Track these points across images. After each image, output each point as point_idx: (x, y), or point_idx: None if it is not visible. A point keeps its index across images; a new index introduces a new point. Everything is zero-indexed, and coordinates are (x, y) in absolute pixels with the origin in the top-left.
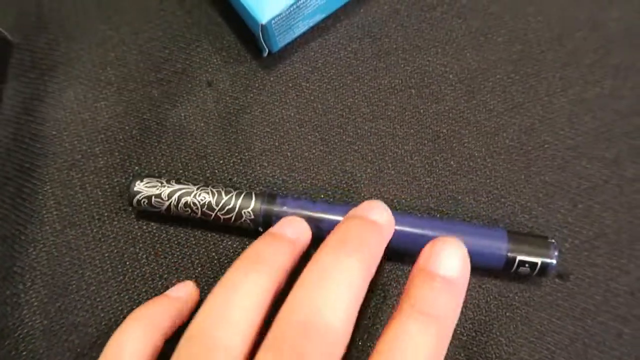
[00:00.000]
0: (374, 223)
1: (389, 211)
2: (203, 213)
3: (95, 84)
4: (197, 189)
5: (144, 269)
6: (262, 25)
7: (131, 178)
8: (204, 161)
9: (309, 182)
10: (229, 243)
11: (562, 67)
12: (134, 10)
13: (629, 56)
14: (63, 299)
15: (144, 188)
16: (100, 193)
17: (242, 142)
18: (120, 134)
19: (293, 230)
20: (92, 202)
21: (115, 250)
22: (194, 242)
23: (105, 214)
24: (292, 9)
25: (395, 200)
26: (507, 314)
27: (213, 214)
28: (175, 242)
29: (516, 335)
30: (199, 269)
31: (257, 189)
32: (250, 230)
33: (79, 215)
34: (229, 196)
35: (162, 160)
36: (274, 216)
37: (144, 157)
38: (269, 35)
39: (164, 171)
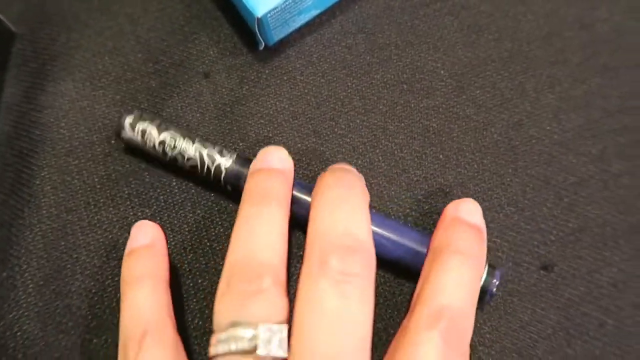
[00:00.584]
0: (348, 169)
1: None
2: (181, 151)
3: (93, 73)
4: (184, 137)
5: None
6: (258, 18)
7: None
8: None
9: (300, 172)
10: (221, 230)
11: (550, 65)
12: (133, 1)
13: (616, 56)
14: (58, 282)
15: (138, 116)
16: (96, 180)
17: (237, 133)
18: (117, 124)
19: (278, 160)
20: (89, 189)
21: (110, 236)
22: (187, 229)
23: (102, 200)
24: (287, 3)
25: (385, 192)
26: (491, 303)
27: (187, 156)
28: (169, 228)
29: (499, 324)
30: (192, 255)
31: None
32: (217, 181)
33: (75, 201)
34: (211, 146)
35: None
36: (243, 177)
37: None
38: (265, 28)
39: None
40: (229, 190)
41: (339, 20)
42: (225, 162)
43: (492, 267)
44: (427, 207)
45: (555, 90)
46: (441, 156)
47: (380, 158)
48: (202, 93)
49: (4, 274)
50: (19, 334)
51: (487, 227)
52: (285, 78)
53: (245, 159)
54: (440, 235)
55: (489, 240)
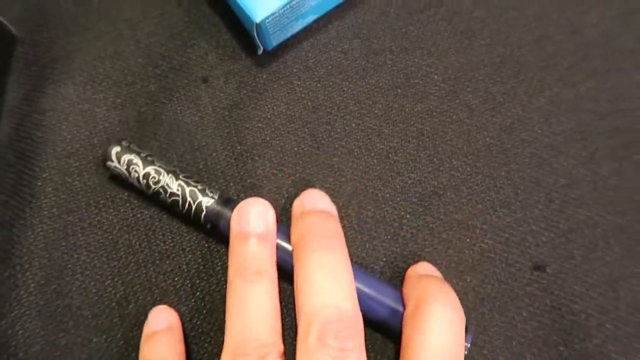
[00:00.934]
0: (327, 212)
1: (328, 197)
2: (164, 185)
3: (94, 76)
4: (169, 172)
5: (137, 256)
6: (256, 24)
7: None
8: (198, 153)
9: (297, 175)
10: (218, 233)
11: (541, 69)
12: (133, 6)
13: (606, 60)
14: (59, 281)
15: (126, 147)
16: (97, 181)
17: (235, 136)
18: (118, 126)
19: (260, 221)
20: (89, 190)
21: (110, 237)
22: (185, 231)
23: (102, 202)
24: (285, 9)
25: (380, 195)
26: (485, 303)
27: (169, 191)
28: (168, 230)
29: (491, 324)
30: (190, 255)
31: (248, 181)
32: (197, 220)
33: (76, 202)
34: (194, 184)
35: (157, 152)
36: (223, 218)
37: (140, 148)
38: (263, 34)
39: None
40: (207, 229)
41: (335, 26)
42: (207, 200)
43: (464, 329)
44: (421, 210)
45: (546, 94)
46: (435, 159)
47: (375, 161)
48: (201, 97)
49: (6, 273)
50: (20, 332)
51: (480, 228)
52: (282, 82)
53: (227, 199)
54: (411, 289)
55: (481, 242)
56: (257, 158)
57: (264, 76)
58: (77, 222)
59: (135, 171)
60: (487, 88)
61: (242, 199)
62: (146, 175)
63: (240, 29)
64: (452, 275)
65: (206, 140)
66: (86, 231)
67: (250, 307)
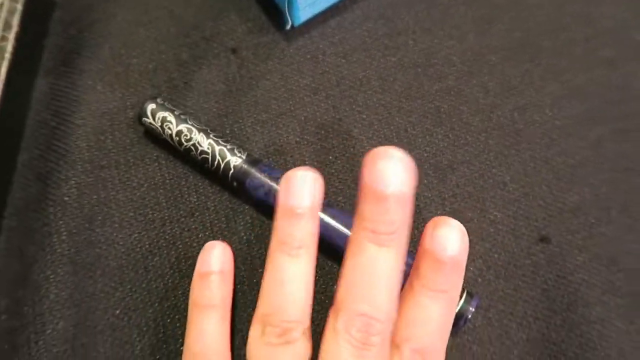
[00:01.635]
0: (396, 196)
1: (403, 160)
2: (196, 143)
3: (128, 42)
4: (200, 131)
5: (163, 212)
6: None
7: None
8: (225, 119)
9: (319, 144)
10: (243, 193)
11: (556, 55)
12: None
13: (618, 49)
14: (89, 232)
15: (161, 105)
16: (128, 141)
17: (261, 105)
18: (149, 90)
19: (307, 194)
20: (120, 149)
21: (138, 194)
22: (210, 191)
23: (132, 160)
24: None
25: None
26: (492, 270)
27: (200, 149)
28: (194, 189)
29: (496, 289)
30: (214, 215)
31: (272, 148)
32: (225, 177)
33: (108, 159)
34: (224, 144)
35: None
36: (249, 177)
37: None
38: (294, 8)
39: None
40: (233, 187)
41: (360, 6)
42: (235, 160)
43: (469, 294)
44: (435, 182)
45: (559, 79)
46: (450, 135)
47: (394, 134)
48: (230, 66)
49: (40, 222)
50: (52, 276)
51: (490, 201)
52: (308, 57)
53: (254, 160)
54: (416, 264)
55: (490, 213)
56: (281, 126)
57: (291, 50)
58: (108, 178)
59: (169, 128)
60: (503, 70)
61: (269, 160)
62: (179, 133)
63: (269, 4)
64: None
65: (233, 107)
66: (116, 187)
67: (286, 283)
